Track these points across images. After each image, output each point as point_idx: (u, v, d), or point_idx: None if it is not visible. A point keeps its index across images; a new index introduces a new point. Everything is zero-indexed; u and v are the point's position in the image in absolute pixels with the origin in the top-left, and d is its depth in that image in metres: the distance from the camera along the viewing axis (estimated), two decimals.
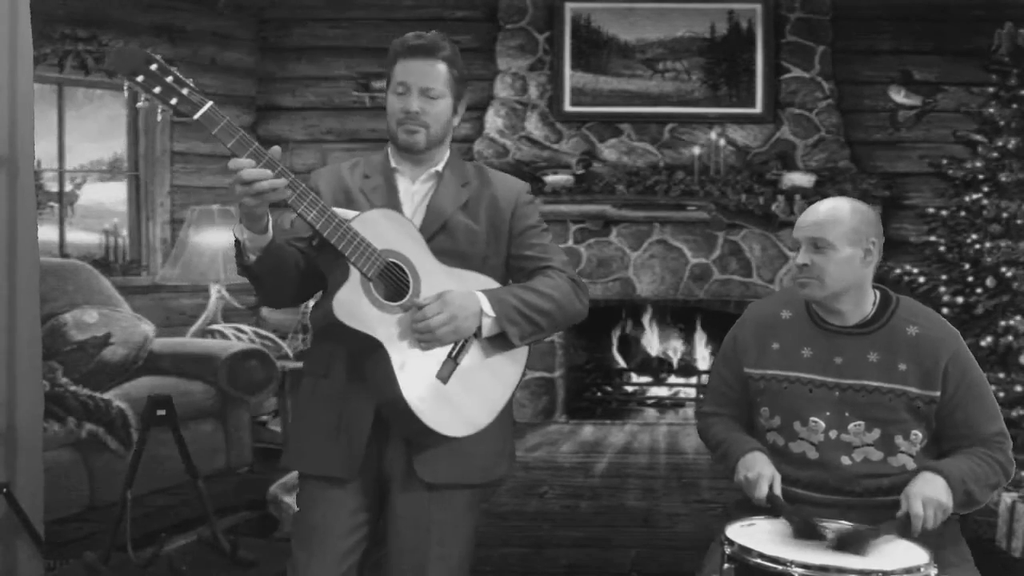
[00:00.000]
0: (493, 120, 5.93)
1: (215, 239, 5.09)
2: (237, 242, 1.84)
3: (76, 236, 5.35)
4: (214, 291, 5.23)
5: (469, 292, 1.91)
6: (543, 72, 5.94)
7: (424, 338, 1.86)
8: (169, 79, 1.72)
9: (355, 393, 1.92)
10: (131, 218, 5.57)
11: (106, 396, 3.91)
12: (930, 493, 1.85)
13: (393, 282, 1.87)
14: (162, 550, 3.02)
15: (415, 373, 1.85)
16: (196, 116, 1.72)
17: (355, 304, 1.81)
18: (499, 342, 1.96)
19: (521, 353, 2.02)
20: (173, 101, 1.72)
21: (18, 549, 2.76)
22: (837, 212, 2.03)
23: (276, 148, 1.78)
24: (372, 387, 1.88)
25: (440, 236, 1.96)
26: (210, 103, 1.73)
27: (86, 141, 5.39)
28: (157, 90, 1.71)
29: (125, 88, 1.74)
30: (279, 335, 5.34)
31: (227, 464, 4.42)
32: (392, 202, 1.99)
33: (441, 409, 1.87)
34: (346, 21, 5.97)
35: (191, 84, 1.74)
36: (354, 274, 1.81)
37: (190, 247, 5.11)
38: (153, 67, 1.71)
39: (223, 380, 4.39)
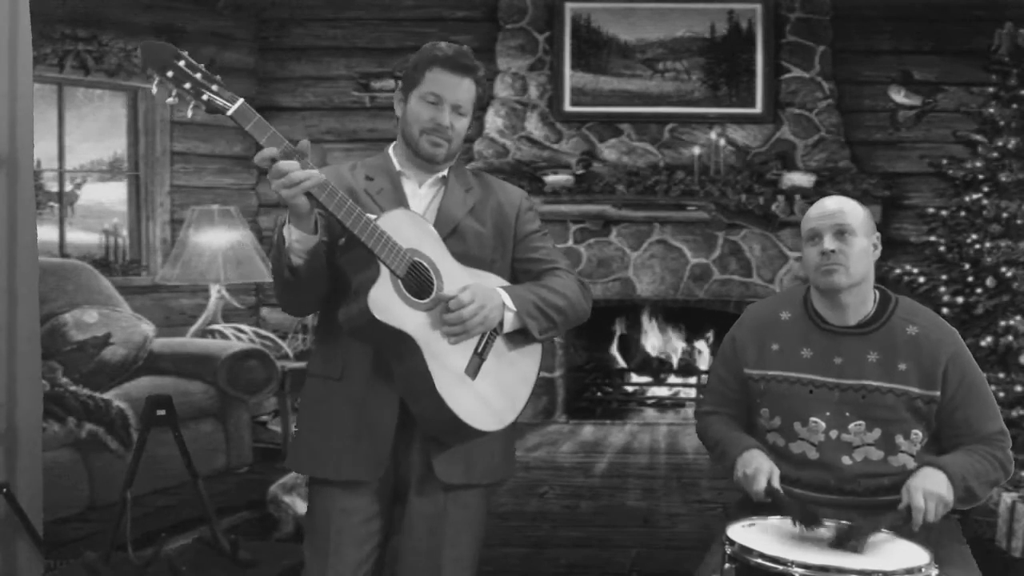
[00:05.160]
0: (493, 120, 5.93)
1: (215, 239, 5.08)
2: (278, 247, 1.83)
3: (76, 236, 5.35)
4: (214, 291, 5.23)
5: (491, 287, 1.94)
6: (543, 72, 5.94)
7: (454, 330, 1.86)
8: (198, 75, 1.70)
9: (376, 395, 1.92)
10: (131, 218, 5.56)
11: (106, 396, 3.92)
12: (931, 487, 1.86)
13: (418, 281, 1.87)
14: (162, 550, 3.02)
15: (446, 368, 1.86)
16: (230, 112, 1.72)
17: (389, 301, 1.81)
18: (518, 338, 1.99)
19: (537, 351, 2.05)
20: (204, 97, 1.70)
21: (18, 549, 2.76)
22: (852, 203, 2.07)
23: (305, 142, 1.79)
24: (402, 385, 1.88)
25: (451, 240, 1.97)
26: (241, 99, 1.73)
27: (86, 141, 5.39)
28: (188, 86, 1.69)
29: (154, 85, 1.70)
30: (279, 335, 5.34)
31: (227, 464, 4.42)
32: (400, 204, 1.99)
33: (472, 404, 1.89)
34: (346, 21, 5.97)
35: (219, 80, 1.72)
36: (384, 272, 1.81)
37: (190, 247, 5.11)
38: (181, 63, 1.68)
39: (223, 380, 4.39)
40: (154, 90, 1.71)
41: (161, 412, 3.20)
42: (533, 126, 5.93)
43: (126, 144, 5.54)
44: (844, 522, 1.83)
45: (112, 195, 5.56)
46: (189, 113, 1.73)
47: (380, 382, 1.91)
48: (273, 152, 1.74)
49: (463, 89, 2.03)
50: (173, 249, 5.29)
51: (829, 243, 2.01)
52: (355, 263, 1.84)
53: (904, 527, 1.83)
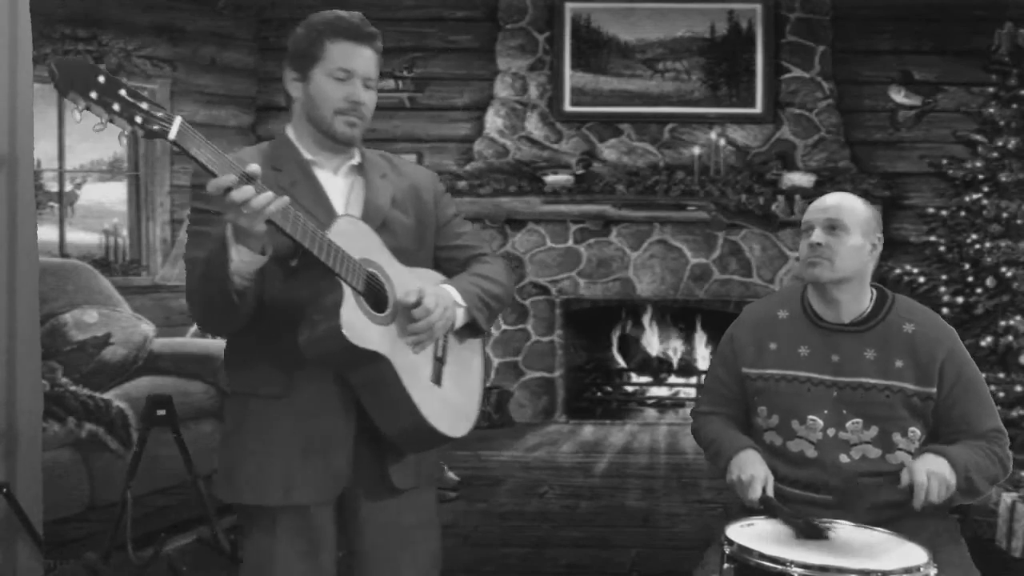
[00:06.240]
0: (493, 120, 5.94)
1: None
2: (217, 270, 1.61)
3: (76, 236, 5.35)
4: None
5: (441, 284, 1.86)
6: (543, 72, 5.94)
7: (421, 338, 1.77)
8: (123, 92, 1.42)
9: (328, 411, 1.77)
10: (131, 218, 5.57)
11: (106, 396, 3.91)
12: (934, 467, 1.86)
13: (374, 293, 1.74)
14: (162, 550, 3.02)
15: (418, 382, 1.78)
16: (172, 136, 1.46)
17: (359, 322, 1.67)
18: (464, 333, 1.92)
19: (478, 343, 1.99)
20: (138, 119, 1.43)
21: (18, 549, 2.75)
22: (853, 201, 2.07)
23: (255, 166, 1.56)
24: (376, 407, 1.76)
25: (381, 234, 1.83)
26: (180, 118, 1.47)
27: (86, 141, 5.39)
28: (116, 107, 1.41)
29: (78, 110, 1.40)
30: None
31: None
32: (320, 199, 1.82)
33: (445, 412, 1.83)
34: None
35: (148, 97, 1.46)
36: (347, 291, 1.66)
37: None
38: (101, 78, 1.41)
39: (223, 380, 4.39)
40: (78, 117, 1.42)
41: (161, 412, 3.20)
42: (533, 126, 5.94)
43: (126, 144, 5.54)
44: (844, 522, 1.83)
45: (112, 195, 5.57)
46: (123, 141, 1.54)
47: (330, 397, 1.77)
48: (232, 180, 1.51)
49: (372, 60, 1.85)
50: (173, 249, 5.30)
51: (817, 236, 2.02)
52: (312, 283, 1.68)
53: (905, 505, 1.83)
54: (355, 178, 1.90)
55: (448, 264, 1.99)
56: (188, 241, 1.80)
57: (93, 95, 1.40)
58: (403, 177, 1.96)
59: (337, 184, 1.87)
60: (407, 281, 1.81)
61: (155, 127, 1.44)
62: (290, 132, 1.91)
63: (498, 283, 1.96)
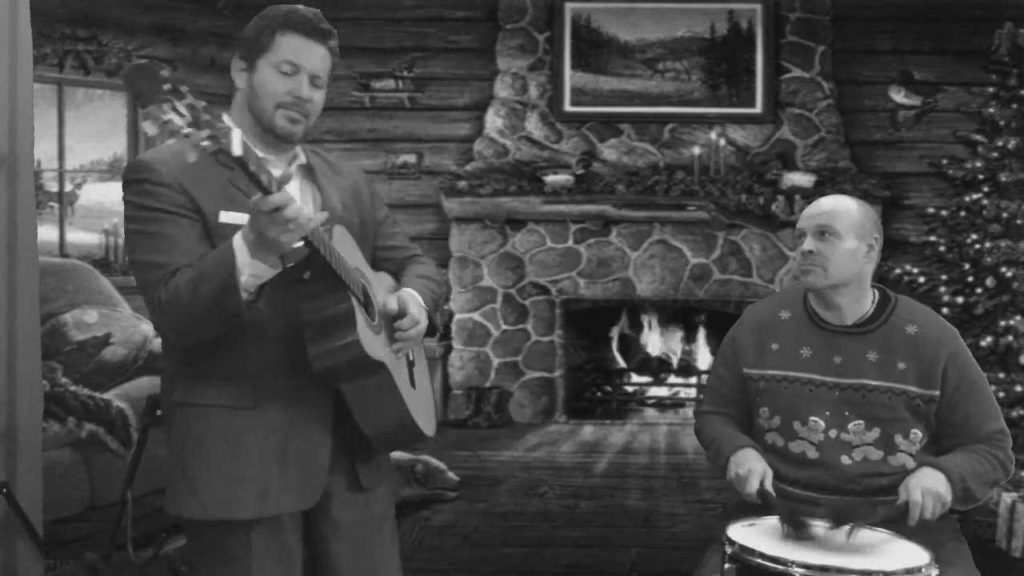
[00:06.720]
0: (493, 120, 5.94)
1: None
2: (222, 283, 1.54)
3: (76, 236, 5.35)
4: None
5: (409, 291, 1.87)
6: (543, 72, 5.94)
7: (409, 345, 1.80)
8: (187, 102, 1.31)
9: (303, 420, 1.74)
10: None
11: (106, 396, 3.91)
12: (929, 484, 1.86)
13: (367, 301, 1.74)
14: (162, 550, 3.02)
15: (404, 386, 1.80)
16: (238, 151, 1.34)
17: (368, 335, 1.66)
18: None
19: (422, 344, 2.01)
20: (206, 130, 1.31)
21: (18, 549, 2.75)
22: (845, 204, 2.05)
23: (282, 174, 1.55)
24: (364, 412, 1.74)
25: None
26: (238, 131, 1.36)
27: (86, 141, 5.40)
28: (189, 119, 1.31)
29: (153, 122, 1.28)
30: None
31: None
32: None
33: (423, 414, 1.86)
34: (346, 21, 5.97)
35: (202, 103, 1.34)
36: (355, 304, 1.64)
37: None
38: (167, 86, 1.30)
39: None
40: (152, 130, 1.29)
41: (161, 412, 3.19)
42: (533, 126, 5.94)
43: (126, 144, 5.54)
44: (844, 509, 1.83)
45: (112, 195, 5.56)
46: (192, 157, 1.29)
47: (303, 405, 1.73)
48: (288, 198, 1.46)
49: (323, 58, 1.78)
50: None
51: (808, 244, 2.02)
52: (320, 296, 1.63)
53: (901, 522, 1.83)
54: (303, 179, 1.84)
55: (385, 264, 1.97)
56: (136, 242, 1.69)
57: (165, 107, 1.29)
58: (342, 176, 1.91)
59: (290, 186, 1.76)
60: (379, 287, 1.83)
61: (218, 135, 1.33)
62: (228, 121, 1.78)
63: (437, 283, 1.99)
